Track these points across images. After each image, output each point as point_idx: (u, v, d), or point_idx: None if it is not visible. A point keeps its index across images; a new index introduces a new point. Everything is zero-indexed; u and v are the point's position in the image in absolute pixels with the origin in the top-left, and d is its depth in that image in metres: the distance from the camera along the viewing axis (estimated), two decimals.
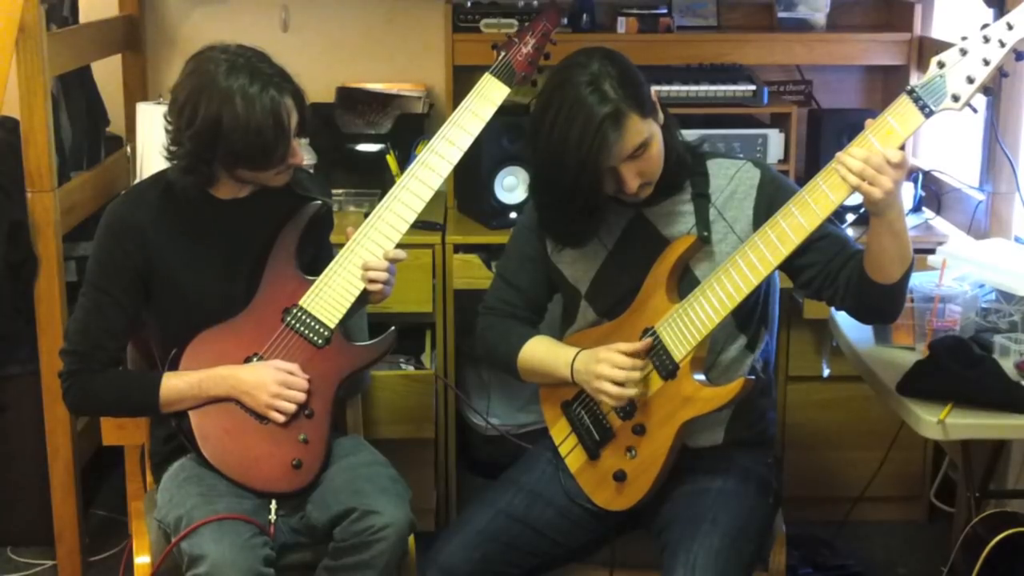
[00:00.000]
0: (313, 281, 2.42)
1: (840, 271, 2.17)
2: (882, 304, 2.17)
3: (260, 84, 2.26)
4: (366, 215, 2.46)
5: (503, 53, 2.51)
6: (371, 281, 2.39)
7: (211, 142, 2.27)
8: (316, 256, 2.49)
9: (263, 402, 2.35)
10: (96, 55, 3.48)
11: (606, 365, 2.20)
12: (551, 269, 2.40)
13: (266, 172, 2.34)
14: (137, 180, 3.15)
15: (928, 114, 2.00)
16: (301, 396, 2.36)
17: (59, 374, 2.41)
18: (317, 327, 2.40)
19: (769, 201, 2.25)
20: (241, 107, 2.24)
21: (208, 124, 2.25)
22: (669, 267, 2.25)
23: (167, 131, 2.34)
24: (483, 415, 3.22)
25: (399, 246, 2.44)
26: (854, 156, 2.01)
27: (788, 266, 2.19)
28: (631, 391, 2.20)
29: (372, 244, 2.41)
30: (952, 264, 2.58)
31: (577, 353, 2.28)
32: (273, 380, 2.35)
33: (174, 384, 2.35)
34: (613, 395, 2.20)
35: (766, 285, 2.31)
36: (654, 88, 2.22)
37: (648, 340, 2.23)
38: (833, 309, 2.66)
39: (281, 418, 2.35)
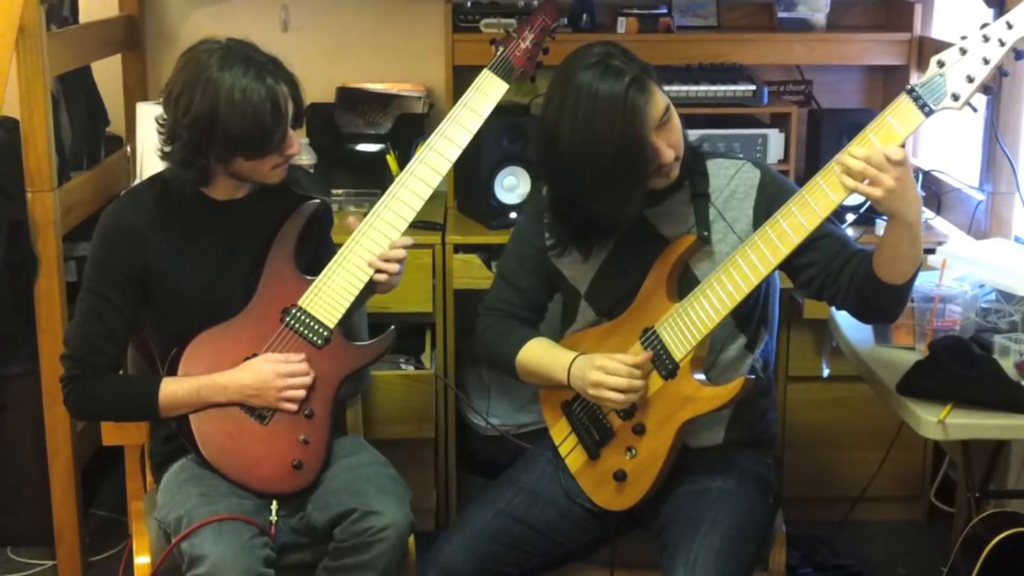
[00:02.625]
0: (312, 281, 2.42)
1: (842, 270, 2.17)
2: (887, 304, 2.16)
3: (255, 71, 2.26)
4: (366, 215, 2.46)
5: (501, 49, 2.50)
6: (382, 270, 2.38)
7: (208, 130, 2.26)
8: (316, 255, 2.49)
9: (273, 398, 2.35)
10: (96, 55, 3.48)
11: (600, 372, 2.20)
12: (551, 269, 2.40)
13: (263, 162, 2.33)
14: (137, 180, 3.15)
15: (928, 113, 2.00)
16: (307, 379, 2.36)
17: (60, 379, 2.40)
18: (316, 327, 2.40)
19: (769, 201, 2.25)
20: (238, 92, 2.24)
21: (205, 112, 2.25)
22: (669, 267, 2.25)
23: (159, 132, 2.34)
24: (483, 415, 3.22)
25: None
26: (855, 156, 2.00)
27: (788, 266, 2.19)
28: (633, 396, 2.20)
29: (371, 243, 2.41)
30: (952, 264, 2.58)
31: (574, 358, 2.28)
32: (273, 374, 2.35)
33: (173, 390, 2.35)
34: (617, 401, 2.20)
35: (766, 285, 2.31)
36: None
37: (648, 354, 2.22)
38: (833, 309, 2.67)
39: (294, 407, 2.36)
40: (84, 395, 2.39)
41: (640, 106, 2.08)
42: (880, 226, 3.22)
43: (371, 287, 2.43)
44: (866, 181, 1.99)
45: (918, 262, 2.09)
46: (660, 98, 2.13)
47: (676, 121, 2.18)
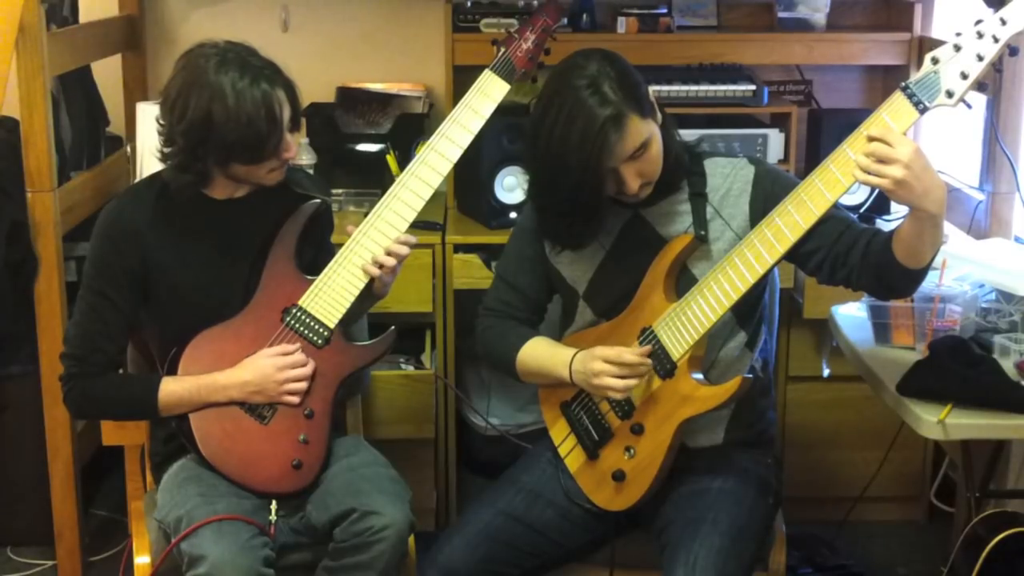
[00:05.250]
0: (312, 281, 2.42)
1: (850, 251, 2.15)
2: (905, 285, 2.15)
3: (251, 77, 2.26)
4: (366, 215, 2.46)
5: (503, 49, 2.50)
6: (381, 264, 2.38)
7: (203, 136, 2.26)
8: (316, 255, 2.49)
9: (275, 391, 2.35)
10: (96, 55, 3.48)
11: (601, 361, 2.20)
12: (550, 270, 2.40)
13: (259, 166, 2.34)
14: (137, 180, 3.15)
15: (922, 110, 2.00)
16: (307, 370, 2.36)
17: (59, 378, 2.40)
18: (316, 327, 2.40)
19: (766, 195, 2.24)
20: (232, 99, 2.24)
21: (199, 118, 2.25)
22: (667, 266, 2.25)
23: (159, 133, 2.34)
24: (483, 415, 3.22)
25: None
26: (869, 139, 1.99)
27: (795, 256, 2.19)
28: (632, 381, 2.20)
29: (372, 243, 2.41)
30: (952, 264, 2.58)
31: (575, 354, 2.28)
32: (274, 367, 2.35)
33: (172, 389, 2.35)
34: (618, 388, 2.20)
35: (767, 283, 2.31)
36: (654, 88, 2.23)
37: (647, 348, 2.22)
38: (834, 309, 2.67)
39: (296, 400, 2.36)
40: (83, 393, 2.38)
41: (611, 143, 2.10)
42: (881, 224, 3.22)
43: (371, 292, 2.43)
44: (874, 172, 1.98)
45: (938, 247, 2.08)
46: (638, 132, 2.13)
47: (655, 151, 2.18)
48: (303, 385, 2.36)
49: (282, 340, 2.40)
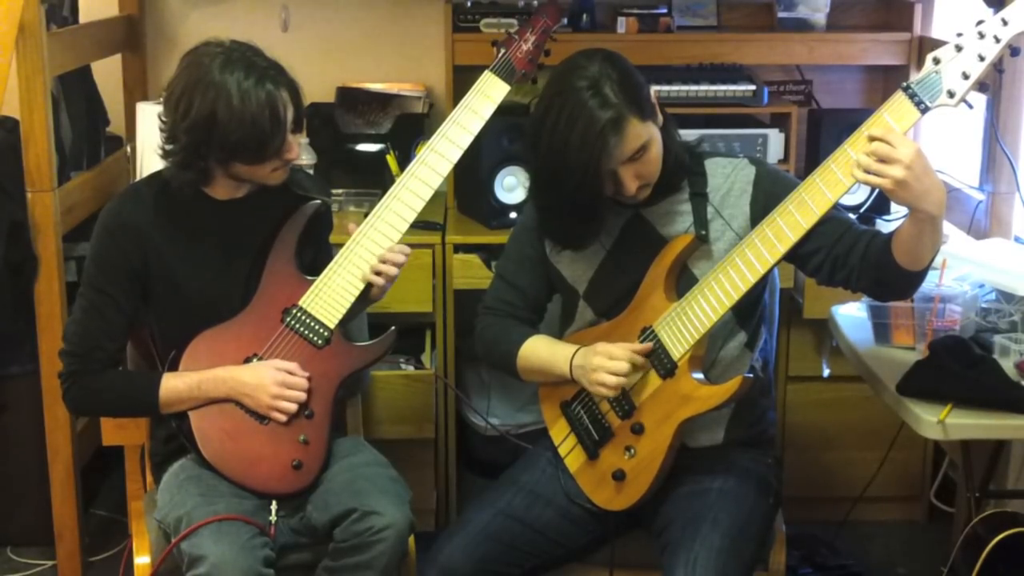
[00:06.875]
0: (313, 281, 2.42)
1: (849, 253, 2.15)
2: (905, 287, 2.16)
3: (256, 77, 2.26)
4: (366, 215, 2.46)
5: (503, 50, 2.51)
6: (379, 273, 2.38)
7: (206, 134, 2.26)
8: (316, 256, 2.49)
9: (264, 403, 2.35)
10: (96, 55, 3.48)
11: (602, 357, 2.20)
12: (550, 269, 2.40)
13: (262, 166, 2.33)
14: (136, 180, 3.15)
15: (924, 110, 2.00)
16: (301, 396, 2.36)
17: (58, 375, 2.41)
18: (317, 327, 2.40)
19: (766, 196, 2.24)
20: (236, 98, 2.24)
21: (203, 116, 2.25)
22: (667, 266, 2.25)
23: (161, 130, 2.34)
24: (483, 415, 3.22)
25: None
26: (870, 139, 1.99)
27: (794, 257, 2.19)
28: (625, 379, 2.20)
29: (372, 244, 2.41)
30: (952, 264, 2.58)
31: (577, 350, 2.28)
32: (273, 380, 2.35)
33: (173, 385, 2.35)
34: (610, 384, 2.20)
35: (767, 283, 2.31)
36: (654, 88, 2.23)
37: (649, 344, 2.23)
38: (834, 309, 2.68)
39: (283, 418, 2.35)
40: (83, 390, 2.38)
41: (610, 146, 2.11)
42: (881, 225, 3.22)
43: (368, 294, 2.43)
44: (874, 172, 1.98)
45: (937, 249, 2.08)
46: (637, 135, 2.14)
47: (654, 153, 2.19)
48: (291, 407, 2.36)
49: (282, 341, 2.40)
